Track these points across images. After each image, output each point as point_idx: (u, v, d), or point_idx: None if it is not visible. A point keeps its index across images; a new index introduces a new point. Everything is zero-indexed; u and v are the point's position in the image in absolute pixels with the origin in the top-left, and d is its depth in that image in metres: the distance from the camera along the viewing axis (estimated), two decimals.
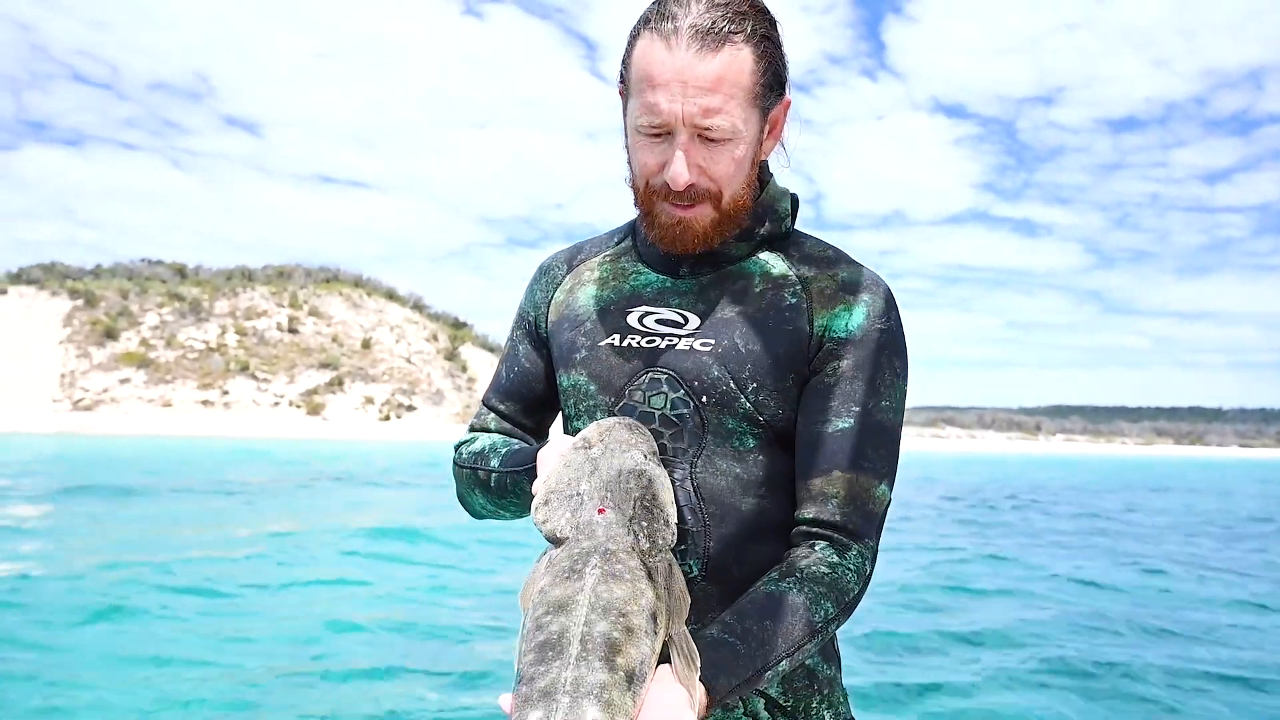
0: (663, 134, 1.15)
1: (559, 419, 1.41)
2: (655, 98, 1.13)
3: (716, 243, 1.23)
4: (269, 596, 8.49)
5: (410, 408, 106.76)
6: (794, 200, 1.31)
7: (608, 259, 1.35)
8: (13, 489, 18.82)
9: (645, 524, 0.96)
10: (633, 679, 0.84)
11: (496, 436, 1.37)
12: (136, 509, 15.86)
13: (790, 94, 1.24)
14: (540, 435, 1.43)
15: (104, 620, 7.17)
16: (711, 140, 1.15)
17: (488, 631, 7.28)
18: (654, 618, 0.90)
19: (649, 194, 1.21)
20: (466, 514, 1.42)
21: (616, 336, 1.25)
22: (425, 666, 6.18)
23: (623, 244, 1.36)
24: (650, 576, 0.92)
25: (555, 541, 0.95)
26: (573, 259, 1.39)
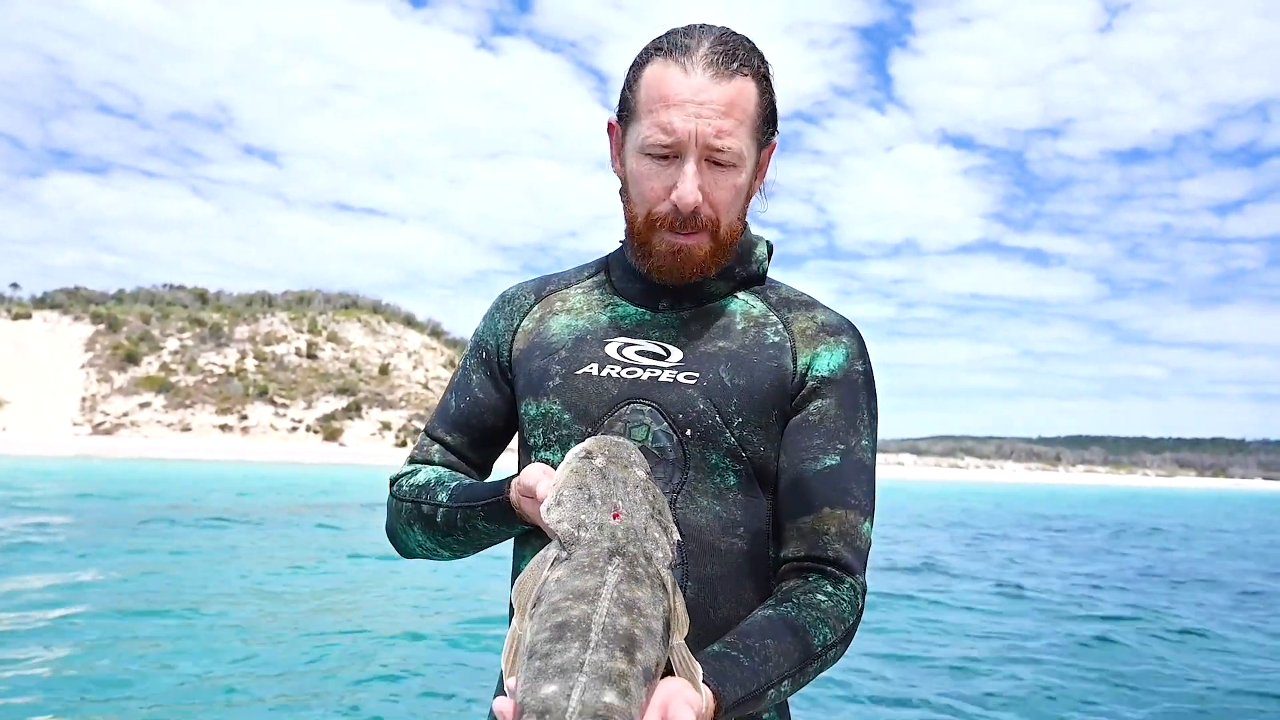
0: (670, 156, 1.16)
1: (503, 457, 1.37)
2: (669, 117, 1.14)
3: (713, 272, 1.24)
4: (286, 624, 8.36)
5: None
6: (769, 246, 1.33)
7: (581, 291, 1.33)
8: (33, 512, 18.83)
9: (656, 536, 0.97)
10: (648, 676, 0.84)
11: (442, 470, 1.30)
12: (153, 534, 15.80)
13: (775, 140, 1.27)
14: (485, 473, 1.36)
15: (120, 638, 7.06)
16: (718, 165, 1.17)
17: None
18: (667, 625, 0.90)
19: (649, 223, 1.20)
20: (395, 550, 1.33)
21: (594, 366, 1.22)
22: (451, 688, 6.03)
23: (595, 278, 1.34)
24: (665, 586, 0.93)
25: (568, 541, 0.94)
26: (540, 289, 1.36)
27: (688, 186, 1.15)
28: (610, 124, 1.28)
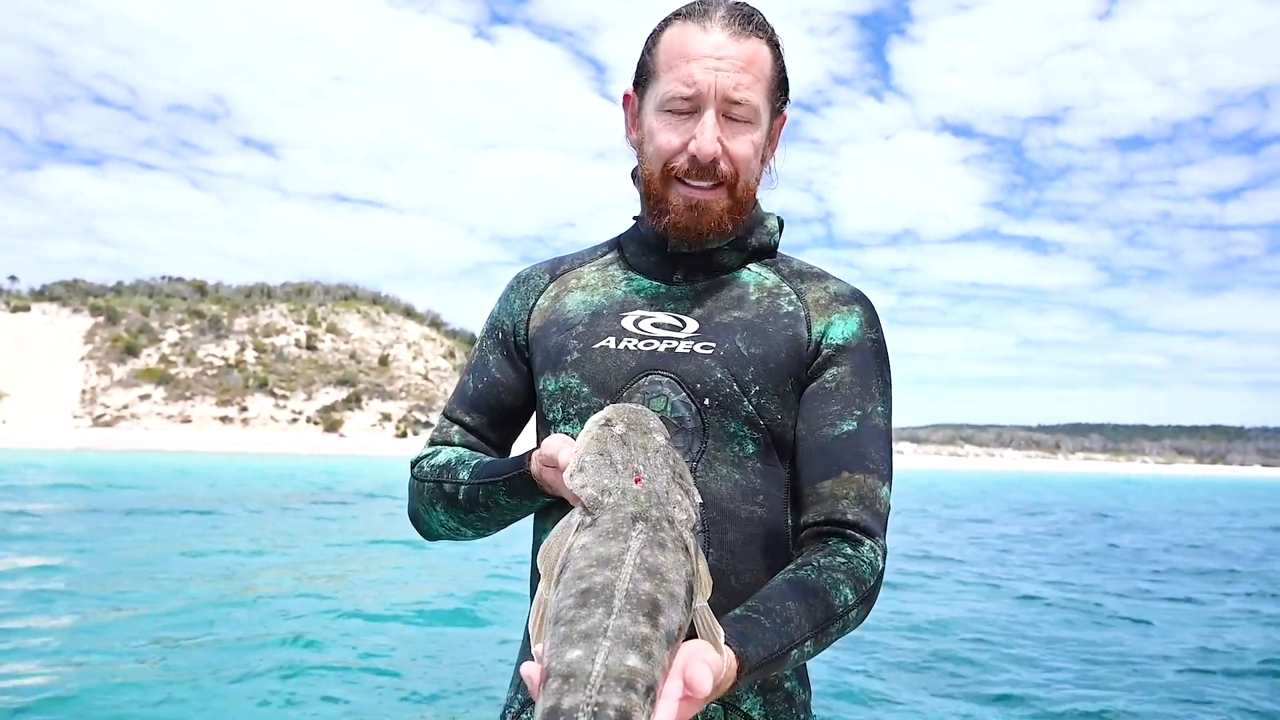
0: (689, 111, 1.19)
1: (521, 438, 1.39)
2: (690, 70, 1.18)
3: (729, 231, 1.25)
4: (284, 617, 8.59)
5: (426, 424, 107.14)
6: (780, 221, 1.36)
7: (595, 268, 1.35)
8: (34, 505, 19.05)
9: (679, 499, 0.98)
10: (670, 640, 0.85)
11: (462, 450, 1.32)
12: (154, 526, 16.03)
13: (786, 112, 1.31)
14: (505, 453, 1.38)
15: (105, 619, 7.27)
16: (735, 120, 1.20)
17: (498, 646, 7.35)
18: (690, 590, 0.91)
19: (665, 177, 1.22)
20: (418, 533, 1.36)
21: (611, 339, 1.24)
22: (447, 676, 6.24)
23: (608, 255, 1.37)
24: (687, 549, 0.94)
25: (592, 506, 0.95)
26: (555, 269, 1.38)
27: (707, 136, 1.17)
28: (626, 95, 1.30)
